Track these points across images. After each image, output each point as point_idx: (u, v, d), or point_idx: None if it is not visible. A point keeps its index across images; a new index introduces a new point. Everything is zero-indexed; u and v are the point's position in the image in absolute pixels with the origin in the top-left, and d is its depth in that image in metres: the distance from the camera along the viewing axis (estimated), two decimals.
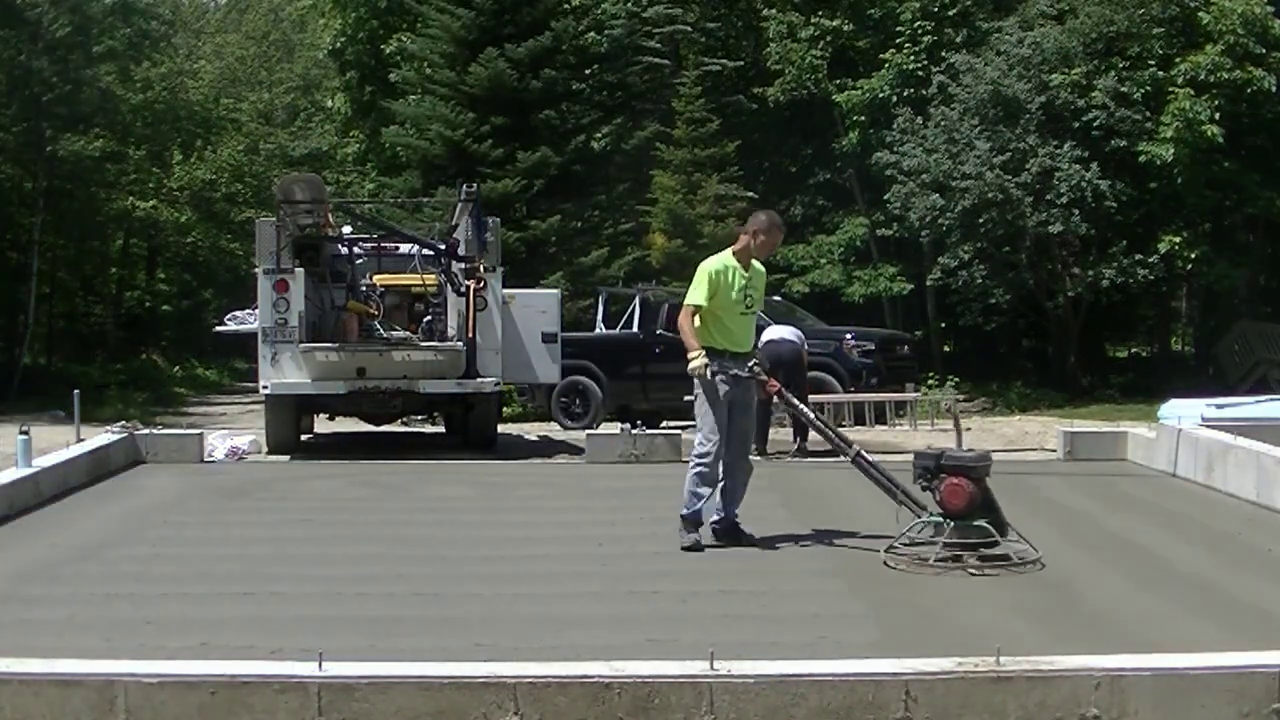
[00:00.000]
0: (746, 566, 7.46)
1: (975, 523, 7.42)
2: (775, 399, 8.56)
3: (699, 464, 8.02)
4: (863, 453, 8.02)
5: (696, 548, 7.84)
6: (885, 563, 7.37)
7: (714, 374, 7.95)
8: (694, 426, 8.24)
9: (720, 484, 8.12)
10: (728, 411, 8.05)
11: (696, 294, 8.08)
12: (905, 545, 7.54)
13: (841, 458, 8.24)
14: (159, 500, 10.30)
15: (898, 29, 27.20)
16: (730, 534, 8.11)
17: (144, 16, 33.69)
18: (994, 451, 14.78)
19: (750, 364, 8.12)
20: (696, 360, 7.98)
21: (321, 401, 14.56)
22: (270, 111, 44.33)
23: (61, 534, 8.74)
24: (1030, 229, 23.58)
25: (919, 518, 7.61)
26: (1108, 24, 24.09)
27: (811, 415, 8.83)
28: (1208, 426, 11.58)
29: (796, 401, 8.69)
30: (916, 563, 7.34)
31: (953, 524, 7.38)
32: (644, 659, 5.28)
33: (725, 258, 8.21)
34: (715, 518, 8.11)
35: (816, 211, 30.57)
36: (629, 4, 29.15)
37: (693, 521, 7.98)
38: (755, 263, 8.25)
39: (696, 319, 8.14)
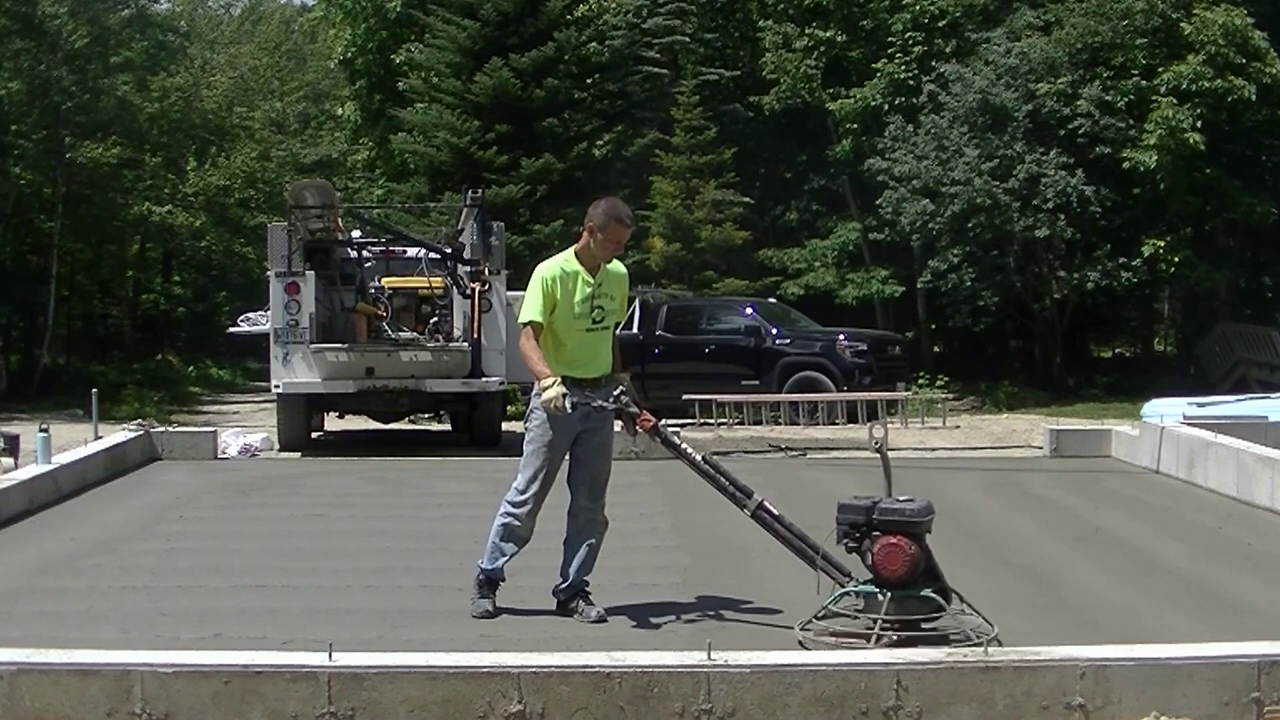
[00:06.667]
0: (745, 564, 7.50)
1: (918, 592, 5.67)
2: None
3: (510, 514, 6.36)
4: (765, 504, 6.23)
5: (488, 615, 6.34)
6: (800, 643, 5.68)
7: (574, 405, 6.15)
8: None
9: (565, 540, 6.49)
10: (571, 452, 6.36)
11: (529, 309, 6.25)
12: (825, 620, 5.82)
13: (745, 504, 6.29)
14: (174, 496, 10.33)
15: (889, 39, 27.17)
16: (566, 606, 6.44)
17: (160, 29, 33.70)
18: (982, 449, 14.83)
19: (617, 391, 6.32)
20: (551, 390, 6.07)
21: (331, 400, 14.74)
22: (282, 119, 44.35)
23: (80, 529, 8.79)
24: (1017, 233, 23.50)
25: (843, 586, 5.90)
26: (1093, 35, 23.99)
27: (699, 459, 6.41)
28: (1189, 424, 11.62)
29: (678, 441, 6.50)
30: (848, 641, 5.61)
31: (889, 594, 5.64)
32: (643, 649, 5.36)
33: (564, 260, 6.37)
34: (559, 582, 6.50)
35: (810, 216, 30.62)
36: (630, 15, 29.35)
37: (490, 581, 6.43)
38: (611, 266, 6.42)
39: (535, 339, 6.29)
